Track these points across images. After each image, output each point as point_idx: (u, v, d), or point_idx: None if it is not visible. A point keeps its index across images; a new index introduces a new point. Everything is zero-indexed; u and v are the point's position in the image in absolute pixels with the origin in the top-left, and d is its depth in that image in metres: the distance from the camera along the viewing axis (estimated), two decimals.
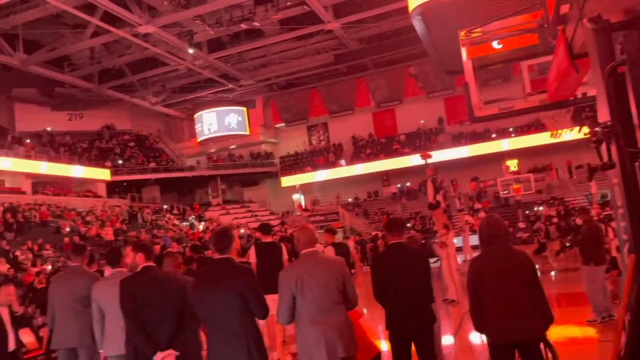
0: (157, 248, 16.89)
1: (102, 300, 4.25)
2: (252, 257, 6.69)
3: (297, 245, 3.66)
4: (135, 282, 3.87)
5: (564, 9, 4.21)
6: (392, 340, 4.13)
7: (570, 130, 6.57)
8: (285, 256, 6.71)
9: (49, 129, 32.05)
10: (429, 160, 12.08)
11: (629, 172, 2.60)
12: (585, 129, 2.84)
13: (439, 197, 11.69)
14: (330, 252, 6.85)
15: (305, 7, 22.78)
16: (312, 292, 3.43)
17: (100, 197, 29.59)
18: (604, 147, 2.83)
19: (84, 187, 30.26)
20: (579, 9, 3.54)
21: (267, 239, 6.99)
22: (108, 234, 20.93)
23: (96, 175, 29.99)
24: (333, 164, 34.34)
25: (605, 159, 2.80)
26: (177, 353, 3.72)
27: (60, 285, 4.93)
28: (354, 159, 34.21)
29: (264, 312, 3.55)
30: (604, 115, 2.81)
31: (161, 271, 3.98)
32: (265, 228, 7.16)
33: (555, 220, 23.58)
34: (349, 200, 33.90)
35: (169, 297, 3.72)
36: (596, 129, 2.74)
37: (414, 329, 4.02)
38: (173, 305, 3.72)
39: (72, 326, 4.68)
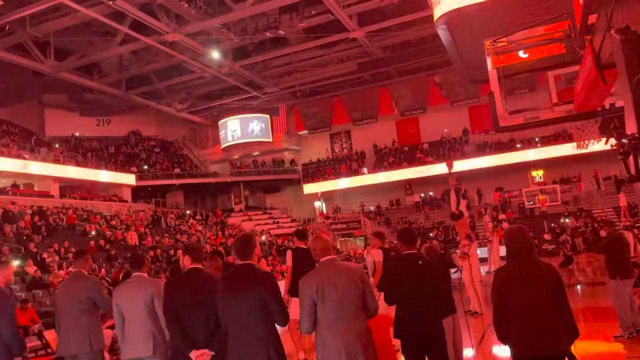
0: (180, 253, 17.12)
1: (121, 304, 4.32)
2: (288, 261, 6.97)
3: (315, 254, 3.68)
4: (177, 284, 4.02)
5: (592, 19, 4.17)
6: (405, 350, 4.13)
7: (598, 141, 6.46)
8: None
9: (77, 134, 32.83)
10: (453, 170, 12.01)
11: None
12: (613, 141, 2.79)
13: (462, 207, 11.60)
14: (378, 255, 6.84)
15: (330, 15, 22.92)
16: (332, 299, 3.43)
17: (125, 201, 30.09)
18: (631, 159, 2.78)
19: (109, 192, 30.83)
20: (607, 19, 3.50)
21: (303, 245, 7.14)
22: (132, 238, 21.25)
23: (122, 180, 30.53)
24: (355, 172, 34.29)
25: (633, 171, 2.75)
26: (212, 353, 3.79)
27: (63, 292, 4.99)
28: (377, 167, 34.11)
29: (284, 319, 3.57)
30: (631, 126, 2.76)
31: (205, 274, 4.05)
32: (301, 234, 7.34)
33: (581, 232, 23.10)
34: (371, 208, 33.78)
35: (207, 298, 3.78)
36: (623, 140, 2.69)
37: (421, 339, 4.02)
38: (210, 307, 3.77)
39: (71, 333, 4.73)
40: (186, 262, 4.07)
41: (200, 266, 4.06)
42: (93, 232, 21.14)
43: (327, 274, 3.53)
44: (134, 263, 4.61)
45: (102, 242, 19.32)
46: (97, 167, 29.39)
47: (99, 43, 24.99)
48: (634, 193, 3.16)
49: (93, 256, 16.42)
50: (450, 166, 12.14)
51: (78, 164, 28.30)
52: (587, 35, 4.28)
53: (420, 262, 4.18)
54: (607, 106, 5.63)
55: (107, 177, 29.38)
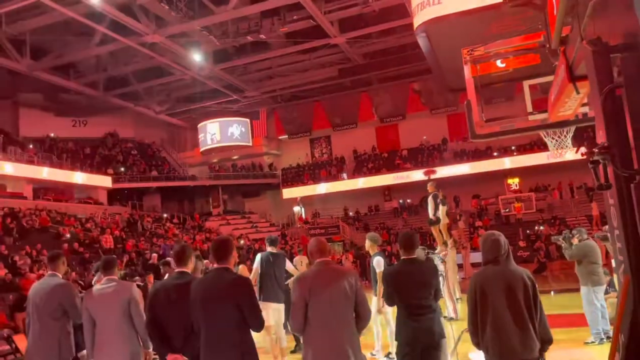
0: (155, 257, 16.90)
1: (93, 309, 4.21)
2: (256, 264, 6.88)
3: (311, 254, 3.70)
4: (160, 287, 3.97)
5: (566, 30, 4.26)
6: (401, 355, 4.17)
7: (572, 150, 6.59)
8: (289, 266, 6.87)
9: (52, 134, 32.21)
10: (432, 177, 12.13)
11: (624, 194, 2.61)
12: (583, 149, 2.86)
13: (442, 214, 11.73)
14: (380, 264, 6.71)
15: (311, 21, 22.99)
16: (323, 300, 3.44)
17: (101, 204, 29.62)
18: (601, 168, 2.84)
19: (85, 194, 30.31)
20: (580, 31, 3.59)
21: (274, 250, 7.11)
22: (108, 241, 20.92)
23: (98, 182, 30.05)
24: (335, 177, 34.37)
25: (602, 180, 2.81)
26: (186, 359, 3.74)
27: (35, 295, 4.66)
28: (356, 172, 34.24)
29: (260, 324, 3.56)
30: (601, 136, 2.83)
31: (189, 278, 3.98)
32: (272, 241, 7.29)
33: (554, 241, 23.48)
34: (350, 214, 33.87)
35: (187, 302, 3.75)
36: (593, 149, 2.76)
37: (424, 343, 4.07)
38: (187, 310, 3.73)
39: (40, 339, 4.50)
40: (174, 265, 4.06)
41: (187, 270, 4.00)
42: (67, 235, 20.75)
43: (321, 274, 3.54)
44: (106, 266, 4.50)
45: (76, 245, 18.97)
46: (72, 168, 28.87)
47: (77, 43, 24.61)
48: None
49: (66, 259, 16.12)
50: (430, 174, 12.29)
51: (52, 165, 27.76)
52: (561, 47, 4.37)
53: (419, 266, 4.27)
54: (580, 116, 5.76)
55: (83, 179, 28.88)
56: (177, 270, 3.99)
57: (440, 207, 11.76)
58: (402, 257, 4.33)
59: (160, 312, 3.80)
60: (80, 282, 13.48)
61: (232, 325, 3.45)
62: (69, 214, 24.86)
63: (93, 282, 7.24)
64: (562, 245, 7.52)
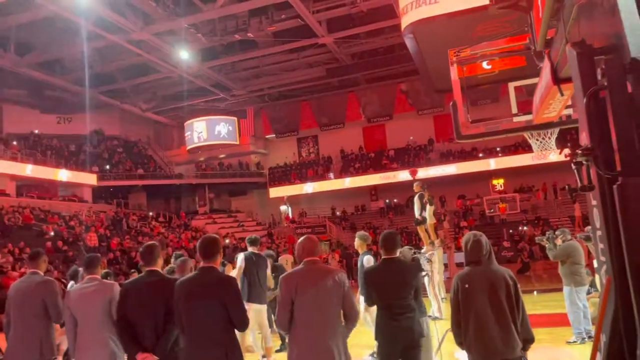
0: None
1: (75, 308, 4.15)
2: (240, 263, 6.75)
3: (299, 253, 3.68)
4: (131, 286, 3.92)
5: (551, 33, 4.30)
6: (383, 352, 4.18)
7: (556, 152, 6.67)
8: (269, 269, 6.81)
9: (36, 131, 31.79)
10: (416, 177, 12.20)
11: (607, 195, 2.64)
12: (567, 151, 2.89)
13: (430, 214, 11.80)
14: (370, 262, 6.71)
15: (299, 20, 22.98)
16: (309, 299, 3.43)
17: (85, 202, 29.31)
18: (584, 169, 2.88)
19: (69, 192, 29.96)
20: (564, 33, 3.63)
21: (255, 250, 7.03)
22: (92, 239, 20.71)
23: (82, 179, 29.74)
24: (322, 177, 34.39)
25: (585, 181, 2.85)
26: (157, 358, 3.71)
27: (15, 293, 4.52)
28: (343, 172, 34.28)
29: (244, 324, 3.55)
30: (584, 138, 2.86)
31: (160, 277, 3.95)
32: (253, 241, 7.17)
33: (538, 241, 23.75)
34: (337, 213, 33.92)
35: (157, 302, 3.74)
36: (577, 151, 2.79)
37: (403, 343, 4.09)
38: (159, 311, 3.72)
39: (21, 339, 4.38)
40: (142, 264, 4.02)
41: (157, 268, 3.97)
42: (51, 233, 20.51)
43: (307, 274, 3.53)
44: (89, 265, 4.43)
45: (59, 243, 18.75)
46: (57, 165, 28.52)
47: (63, 39, 24.31)
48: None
49: (49, 257, 15.92)
50: (415, 174, 12.37)
51: (36, 162, 27.41)
52: (546, 49, 4.42)
53: (399, 266, 4.27)
54: (564, 118, 5.82)
55: (67, 176, 28.55)
56: (146, 269, 3.94)
57: (427, 207, 11.82)
58: (383, 257, 4.33)
59: (130, 311, 3.76)
60: (63, 280, 13.33)
61: (217, 324, 3.44)
62: (53, 212, 24.57)
63: (68, 288, 7.09)
64: (546, 245, 7.59)
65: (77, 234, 21.32)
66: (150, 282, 3.83)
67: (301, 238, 3.80)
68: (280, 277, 3.65)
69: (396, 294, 4.15)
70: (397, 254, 4.39)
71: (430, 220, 11.88)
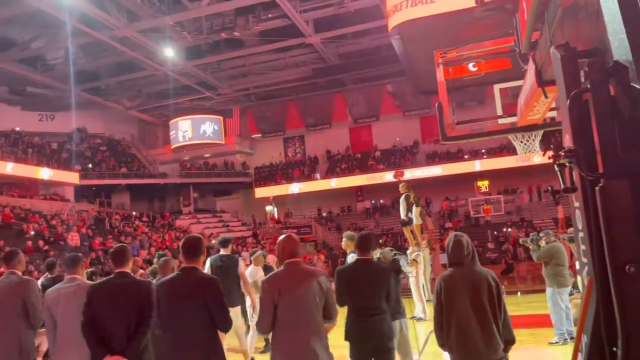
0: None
1: (54, 309, 4.08)
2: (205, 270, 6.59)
3: (282, 254, 3.64)
4: (98, 288, 3.81)
5: (535, 35, 4.33)
6: (354, 354, 4.16)
7: (539, 154, 6.72)
8: (241, 270, 6.68)
9: (17, 128, 31.28)
10: (402, 178, 12.26)
11: (589, 197, 2.65)
12: (550, 153, 2.90)
13: (416, 214, 11.85)
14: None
15: (286, 20, 22.93)
16: (291, 301, 3.41)
17: (67, 201, 28.92)
18: (567, 171, 2.89)
19: (51, 191, 29.54)
20: (549, 36, 3.65)
21: (226, 252, 6.90)
22: (74, 239, 20.44)
23: (64, 178, 29.32)
24: (308, 177, 34.36)
25: (568, 183, 2.86)
26: None
27: None
28: (329, 173, 34.30)
29: (227, 325, 3.52)
30: (567, 140, 2.88)
31: (130, 279, 3.88)
32: (224, 242, 7.06)
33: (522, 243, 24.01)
34: (323, 214, 33.91)
35: (127, 304, 3.67)
36: (560, 153, 2.80)
37: (370, 342, 4.08)
38: (130, 312, 3.65)
39: (0, 341, 4.29)
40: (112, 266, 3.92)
41: (127, 270, 3.89)
42: (31, 232, 20.20)
43: (289, 275, 3.51)
44: (70, 264, 4.37)
45: (40, 242, 18.48)
46: (38, 164, 28.09)
47: (46, 35, 23.98)
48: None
49: (30, 257, 15.69)
50: (399, 176, 12.42)
51: (17, 160, 26.97)
52: (531, 51, 4.45)
53: (373, 267, 4.25)
54: (548, 120, 5.87)
55: (49, 174, 28.13)
56: (116, 271, 3.85)
57: (414, 208, 11.89)
58: (357, 257, 4.31)
59: (99, 312, 3.66)
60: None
61: (199, 325, 3.40)
62: (34, 211, 24.21)
63: (42, 281, 6.97)
64: (530, 247, 7.66)
65: (59, 233, 21.02)
66: (121, 284, 3.75)
67: (281, 237, 3.76)
68: (262, 280, 3.61)
69: (367, 295, 4.14)
70: (372, 255, 4.39)
71: (417, 221, 11.95)
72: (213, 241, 25.73)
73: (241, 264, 6.69)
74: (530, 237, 7.85)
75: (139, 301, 3.68)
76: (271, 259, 9.32)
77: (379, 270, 4.31)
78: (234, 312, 6.57)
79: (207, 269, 6.56)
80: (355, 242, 4.38)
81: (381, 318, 4.13)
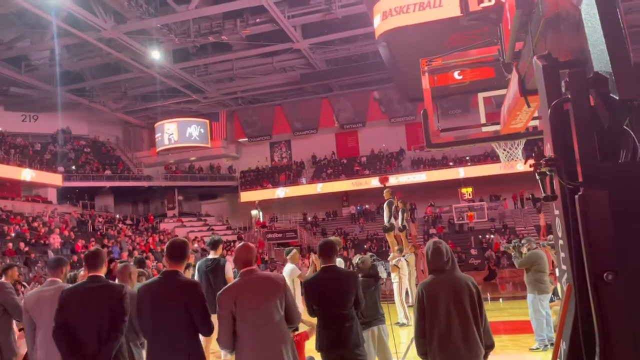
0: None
1: (33, 312, 4.02)
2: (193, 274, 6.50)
3: (236, 263, 3.56)
4: (71, 292, 3.75)
5: (519, 45, 4.40)
6: None
7: (522, 162, 6.82)
8: (228, 274, 6.53)
9: (0, 129, 30.83)
10: (387, 184, 12.34)
11: (569, 205, 2.70)
12: (532, 161, 2.95)
13: (405, 221, 11.91)
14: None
15: (274, 24, 22.95)
16: (251, 312, 3.34)
17: (50, 202, 28.53)
18: (547, 179, 2.94)
19: (33, 192, 29.12)
20: (532, 46, 3.71)
21: (215, 254, 6.75)
22: (56, 241, 20.16)
23: (47, 179, 28.91)
24: (294, 182, 34.34)
25: (549, 191, 2.91)
26: None
27: None
28: (315, 178, 34.31)
29: (209, 329, 3.49)
30: (549, 149, 2.93)
31: (104, 283, 3.82)
32: (215, 243, 6.89)
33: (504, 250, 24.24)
34: (308, 219, 33.90)
35: (100, 308, 3.63)
36: (541, 161, 2.85)
37: (339, 352, 4.04)
38: (103, 317, 3.61)
39: None
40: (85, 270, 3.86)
41: (100, 274, 3.84)
42: (12, 234, 19.88)
43: (246, 285, 3.43)
44: (52, 267, 4.32)
45: (21, 244, 18.20)
46: (20, 165, 27.68)
47: (30, 35, 23.70)
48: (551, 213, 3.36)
49: (10, 259, 15.44)
50: (384, 181, 12.50)
51: None
52: (514, 61, 4.51)
53: (338, 274, 4.20)
54: (530, 129, 5.96)
55: (31, 176, 27.71)
56: (89, 274, 3.80)
57: (401, 214, 11.97)
58: (321, 266, 4.26)
59: (72, 317, 3.60)
60: (24, 283, 12.93)
61: (181, 330, 3.38)
62: (15, 212, 23.83)
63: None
64: (512, 254, 7.74)
65: (40, 235, 20.72)
66: (93, 288, 3.70)
67: (238, 246, 3.70)
68: (218, 293, 3.51)
69: (334, 303, 4.09)
70: (336, 262, 4.36)
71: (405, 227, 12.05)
72: (196, 245, 25.59)
73: (228, 267, 6.58)
74: (512, 243, 7.94)
75: (111, 306, 3.63)
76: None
77: (344, 276, 4.24)
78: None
79: (194, 274, 6.47)
80: (318, 250, 4.32)
81: (349, 326, 4.06)
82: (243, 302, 3.36)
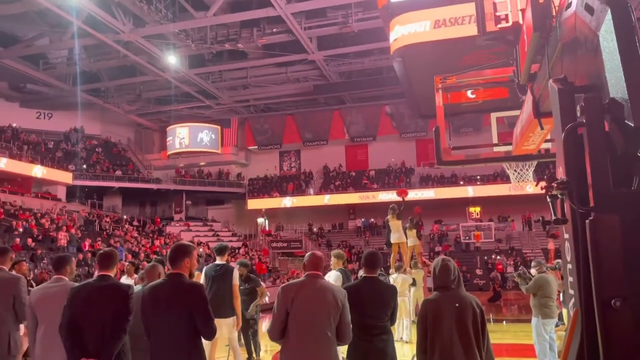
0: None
1: (38, 308, 4.05)
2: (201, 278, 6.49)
3: (304, 265, 3.77)
4: (79, 290, 3.79)
5: (534, 67, 4.41)
6: None
7: (532, 183, 6.79)
8: (235, 281, 6.55)
9: (14, 125, 31.18)
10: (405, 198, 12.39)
11: (579, 229, 2.69)
12: (543, 184, 2.95)
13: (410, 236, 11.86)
14: (337, 279, 6.43)
15: (290, 35, 23.14)
16: (304, 313, 3.44)
17: (59, 200, 28.74)
18: (558, 203, 2.93)
19: (43, 189, 29.36)
20: (547, 69, 3.72)
21: (222, 260, 6.73)
22: (62, 238, 20.26)
23: (57, 177, 29.14)
24: (301, 192, 34.36)
25: (559, 214, 2.90)
26: None
27: None
28: (323, 189, 34.31)
29: (212, 333, 3.51)
30: (561, 172, 2.92)
31: (111, 282, 3.87)
32: (221, 250, 6.86)
33: (510, 270, 24.05)
34: (314, 229, 33.85)
35: (105, 307, 3.69)
36: (552, 184, 2.84)
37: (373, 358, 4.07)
38: (107, 316, 3.66)
39: None
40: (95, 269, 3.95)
41: (110, 274, 3.91)
42: (20, 229, 20.02)
43: (307, 287, 3.57)
44: (56, 264, 4.36)
45: (29, 240, 18.31)
46: (32, 161, 27.95)
47: (50, 34, 24.04)
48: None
49: (17, 255, 15.52)
50: (403, 194, 12.54)
51: (12, 157, 26.81)
52: (529, 83, 4.52)
53: (380, 285, 4.26)
54: (542, 151, 5.95)
55: (42, 172, 27.96)
56: (99, 273, 3.89)
57: (409, 230, 11.93)
58: (363, 275, 4.33)
59: (77, 314, 3.67)
60: (32, 283, 12.99)
61: (182, 332, 3.38)
62: (25, 208, 24.02)
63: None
64: (519, 281, 7.68)
65: (48, 232, 20.84)
66: (101, 287, 3.76)
67: (308, 253, 3.86)
68: (281, 287, 3.66)
69: (372, 314, 4.11)
70: (377, 273, 4.39)
71: (412, 242, 11.99)
72: (201, 249, 25.61)
73: (236, 274, 6.59)
74: (519, 271, 7.87)
75: (115, 305, 3.68)
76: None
77: (386, 289, 4.31)
78: (227, 323, 6.47)
79: (202, 279, 6.48)
80: (363, 260, 4.40)
81: (385, 338, 4.11)
82: (300, 301, 3.50)
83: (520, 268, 7.89)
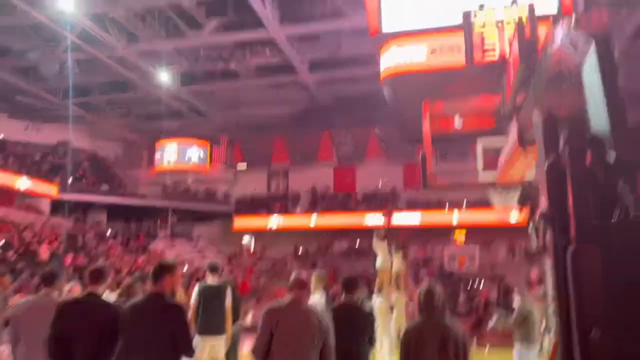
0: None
1: (21, 324, 4.00)
2: (192, 299, 6.51)
3: (291, 287, 3.74)
4: (68, 306, 3.76)
5: (520, 97, 4.52)
6: None
7: (516, 210, 6.87)
8: (228, 302, 6.55)
9: (2, 135, 30.88)
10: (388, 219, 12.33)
11: (560, 259, 2.74)
12: (525, 212, 3.00)
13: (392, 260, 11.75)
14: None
15: (282, 58, 23.39)
16: (288, 336, 3.44)
17: (42, 213, 28.35)
18: (541, 232, 2.98)
19: (27, 202, 28.96)
20: (533, 100, 3.82)
21: (214, 278, 6.75)
22: (45, 252, 19.95)
23: (42, 190, 28.79)
24: (288, 213, 34.24)
25: (541, 243, 2.95)
26: None
27: None
28: (310, 210, 34.23)
29: (189, 351, 3.51)
30: (543, 202, 2.98)
31: (97, 300, 3.84)
32: (213, 267, 6.89)
33: (493, 297, 24.07)
34: (300, 250, 33.67)
35: (93, 324, 3.64)
36: (535, 214, 2.90)
37: None
38: (94, 333, 3.61)
39: None
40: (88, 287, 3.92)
41: (99, 290, 3.92)
42: (1, 242, 19.68)
43: (292, 310, 3.57)
44: (46, 279, 4.31)
45: (10, 253, 17.99)
46: (17, 173, 27.60)
47: (43, 47, 24.03)
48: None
49: None
50: (387, 216, 12.53)
51: None
52: (515, 112, 4.63)
53: (357, 310, 4.27)
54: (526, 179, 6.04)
55: (27, 185, 27.60)
56: (89, 290, 3.90)
57: (394, 254, 11.86)
58: (342, 299, 4.32)
59: (65, 329, 3.64)
60: (7, 293, 12.73)
61: (162, 351, 3.36)
62: (7, 221, 23.66)
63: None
64: (502, 322, 7.72)
65: (29, 245, 20.51)
66: (90, 305, 3.76)
67: (293, 274, 3.90)
68: (265, 308, 3.64)
69: (349, 339, 4.10)
70: (356, 297, 4.40)
71: (395, 267, 11.88)
72: (185, 267, 25.32)
73: (228, 293, 6.58)
74: (498, 315, 7.94)
75: (105, 324, 3.64)
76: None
77: (362, 314, 4.31)
78: (219, 342, 6.45)
79: (194, 297, 6.50)
80: (342, 284, 4.39)
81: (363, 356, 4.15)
82: (284, 324, 3.52)
83: (498, 311, 7.97)
